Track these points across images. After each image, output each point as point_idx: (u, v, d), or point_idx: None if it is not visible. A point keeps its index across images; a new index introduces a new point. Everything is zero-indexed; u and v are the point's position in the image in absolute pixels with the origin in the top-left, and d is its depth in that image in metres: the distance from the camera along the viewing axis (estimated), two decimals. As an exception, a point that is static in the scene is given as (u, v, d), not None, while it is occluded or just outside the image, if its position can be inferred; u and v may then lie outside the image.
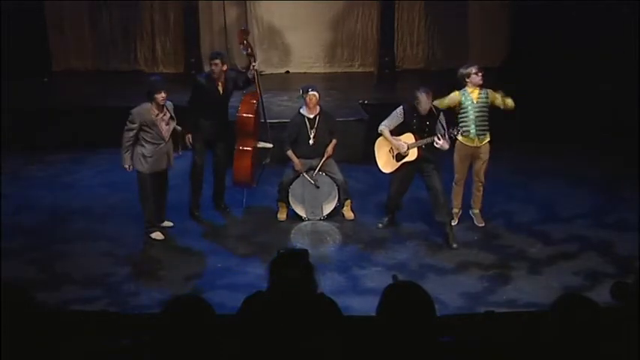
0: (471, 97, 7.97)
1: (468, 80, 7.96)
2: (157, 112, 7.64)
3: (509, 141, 9.93)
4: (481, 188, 8.24)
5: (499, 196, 8.94)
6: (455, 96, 7.99)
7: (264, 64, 13.03)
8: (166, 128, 7.74)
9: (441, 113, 7.82)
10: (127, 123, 7.65)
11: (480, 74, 7.94)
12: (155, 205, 7.99)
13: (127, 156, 7.73)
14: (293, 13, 12.88)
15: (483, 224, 8.29)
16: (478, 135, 8.01)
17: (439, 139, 7.64)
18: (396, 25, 12.71)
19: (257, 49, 12.95)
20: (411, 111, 7.77)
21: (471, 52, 13.11)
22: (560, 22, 11.77)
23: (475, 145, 8.04)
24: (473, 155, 8.12)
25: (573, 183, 9.46)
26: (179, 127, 7.97)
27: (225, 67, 8.23)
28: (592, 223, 8.38)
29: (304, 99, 8.27)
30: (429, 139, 7.71)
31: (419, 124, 7.77)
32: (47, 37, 12.50)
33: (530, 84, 11.55)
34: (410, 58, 13.23)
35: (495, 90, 8.07)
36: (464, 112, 7.98)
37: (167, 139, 7.77)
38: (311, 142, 8.34)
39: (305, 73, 13.13)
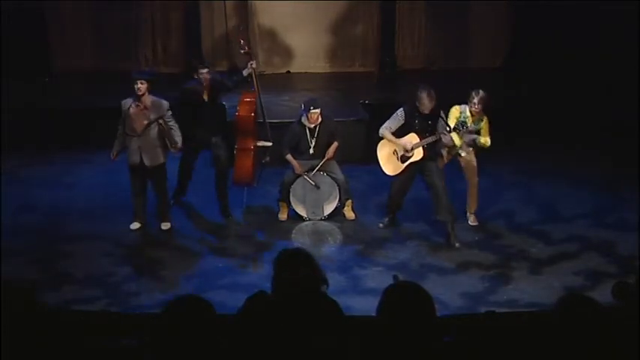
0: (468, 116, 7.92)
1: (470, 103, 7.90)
2: (136, 102, 7.70)
3: (509, 141, 9.93)
4: (475, 187, 8.20)
5: (499, 196, 8.95)
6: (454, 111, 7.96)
7: (265, 64, 13.04)
8: (137, 120, 7.72)
9: (441, 110, 7.79)
10: None
11: (476, 105, 7.83)
12: (142, 202, 8.10)
13: (114, 144, 7.96)
14: (294, 13, 12.87)
15: (477, 223, 8.27)
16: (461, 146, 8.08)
17: (445, 135, 7.65)
18: (396, 25, 12.72)
19: (258, 49, 12.96)
20: (412, 111, 7.74)
21: (470, 52, 13.13)
22: (560, 22, 11.78)
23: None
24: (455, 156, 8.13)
25: (573, 183, 9.45)
26: (163, 125, 7.76)
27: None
28: (592, 223, 8.37)
29: (306, 115, 8.17)
30: (433, 138, 7.70)
31: (421, 124, 7.74)
32: (47, 37, 12.49)
33: (530, 84, 11.56)
34: (410, 58, 13.23)
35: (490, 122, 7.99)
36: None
37: (139, 133, 7.74)
38: (311, 151, 8.31)
39: (306, 72, 13.12)
